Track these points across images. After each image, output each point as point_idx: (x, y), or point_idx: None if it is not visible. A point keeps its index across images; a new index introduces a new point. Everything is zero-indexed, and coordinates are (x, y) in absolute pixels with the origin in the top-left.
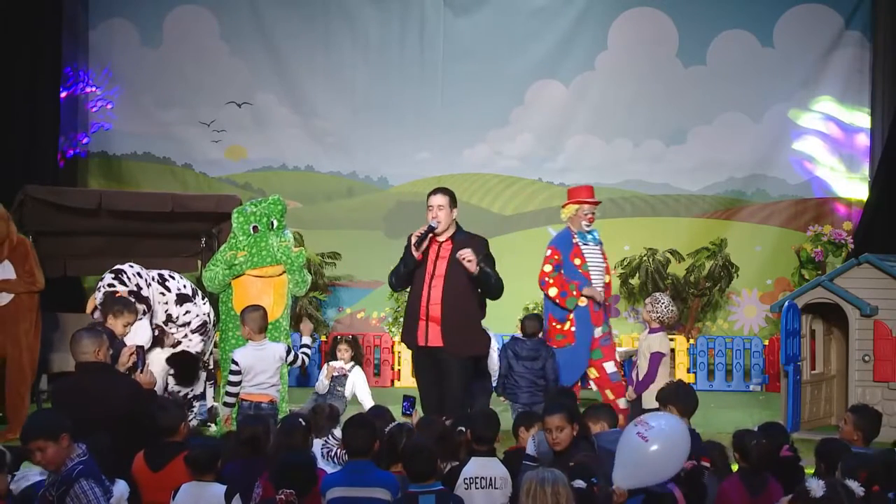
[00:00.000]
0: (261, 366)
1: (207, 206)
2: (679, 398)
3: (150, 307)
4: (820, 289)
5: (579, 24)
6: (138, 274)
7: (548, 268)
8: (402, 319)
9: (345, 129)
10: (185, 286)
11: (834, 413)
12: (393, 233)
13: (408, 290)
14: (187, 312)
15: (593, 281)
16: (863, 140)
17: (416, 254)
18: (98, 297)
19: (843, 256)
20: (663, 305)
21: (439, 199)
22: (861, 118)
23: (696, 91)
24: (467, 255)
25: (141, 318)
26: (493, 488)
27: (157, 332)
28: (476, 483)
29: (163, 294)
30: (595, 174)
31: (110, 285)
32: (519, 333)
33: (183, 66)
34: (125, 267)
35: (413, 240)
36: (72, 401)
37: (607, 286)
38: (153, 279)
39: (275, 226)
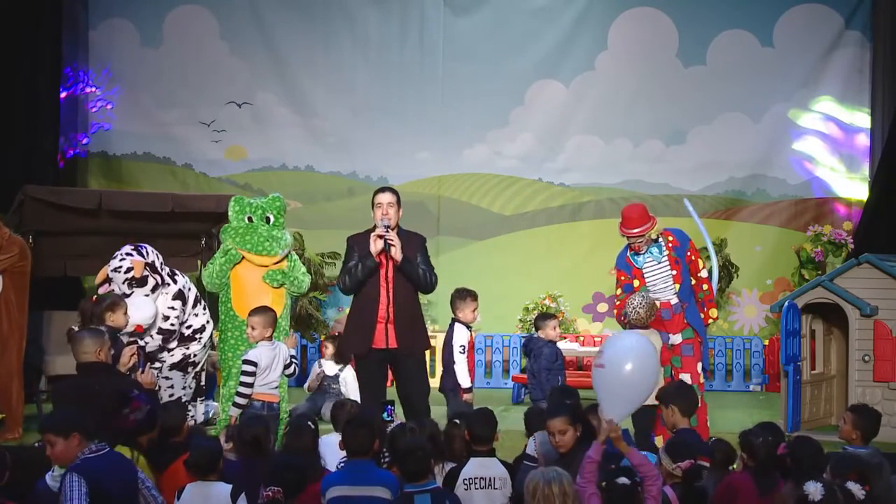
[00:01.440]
0: (273, 364)
1: (207, 206)
2: (679, 398)
3: (163, 282)
4: (820, 289)
5: (579, 24)
6: (156, 253)
7: (618, 291)
8: None
9: (345, 129)
10: (189, 288)
11: (834, 413)
12: None
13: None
14: (171, 308)
15: (659, 288)
16: (863, 140)
17: (375, 253)
18: (110, 267)
19: (843, 256)
20: (631, 307)
21: (388, 197)
22: (861, 118)
23: (696, 91)
24: (395, 241)
25: (149, 294)
26: (493, 488)
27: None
28: (476, 483)
29: (167, 285)
30: (595, 174)
31: (128, 254)
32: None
33: (183, 66)
34: (144, 245)
35: (377, 243)
36: (73, 401)
37: (697, 283)
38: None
39: (271, 220)
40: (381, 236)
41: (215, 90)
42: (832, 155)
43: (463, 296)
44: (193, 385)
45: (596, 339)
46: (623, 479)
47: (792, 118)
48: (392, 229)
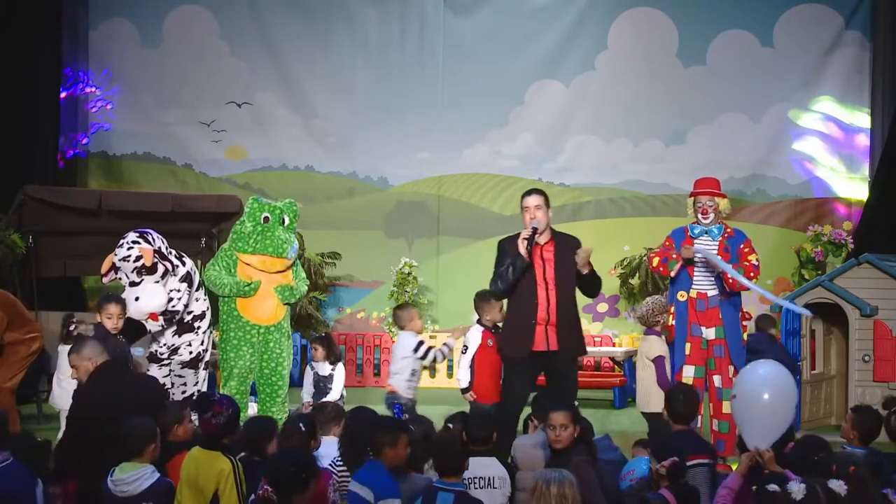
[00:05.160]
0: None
1: (207, 206)
2: (667, 401)
3: (173, 269)
4: (820, 289)
5: (579, 24)
6: (161, 238)
7: (657, 248)
8: None
9: (345, 130)
10: (195, 273)
11: (834, 413)
12: (393, 233)
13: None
14: (177, 290)
15: (699, 277)
16: (863, 140)
17: (525, 256)
18: (118, 256)
19: (843, 256)
20: (645, 307)
21: (536, 200)
22: (861, 118)
23: (696, 91)
24: (585, 255)
25: (159, 281)
26: (492, 488)
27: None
28: (475, 483)
29: (176, 267)
30: (595, 174)
31: (135, 242)
32: None
33: (183, 66)
34: (149, 230)
35: (523, 245)
36: (96, 400)
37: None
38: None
39: (286, 223)
40: (526, 238)
41: (215, 90)
42: (832, 155)
43: (486, 297)
44: (206, 378)
45: (596, 339)
46: (773, 486)
47: (792, 118)
48: (541, 232)
